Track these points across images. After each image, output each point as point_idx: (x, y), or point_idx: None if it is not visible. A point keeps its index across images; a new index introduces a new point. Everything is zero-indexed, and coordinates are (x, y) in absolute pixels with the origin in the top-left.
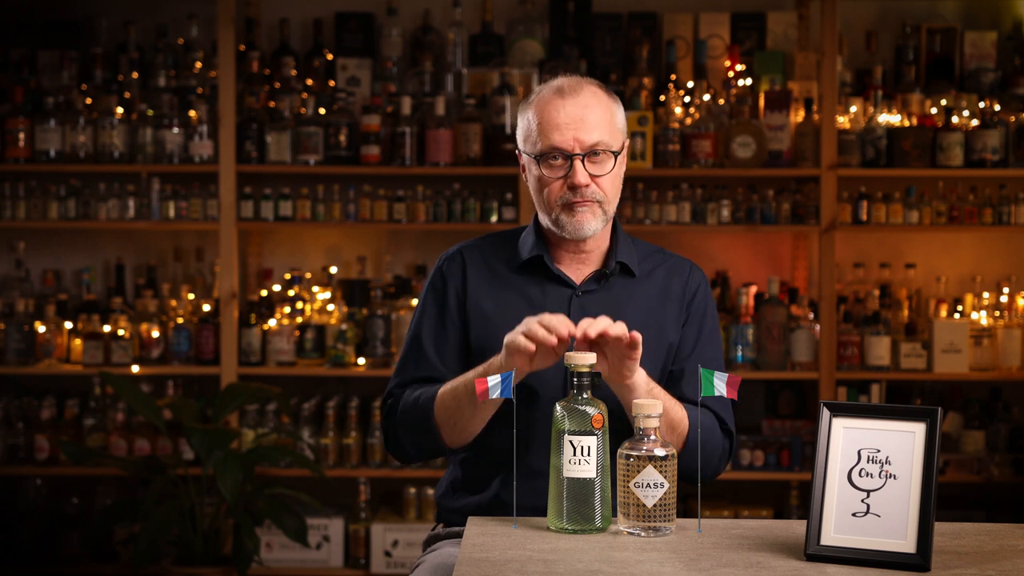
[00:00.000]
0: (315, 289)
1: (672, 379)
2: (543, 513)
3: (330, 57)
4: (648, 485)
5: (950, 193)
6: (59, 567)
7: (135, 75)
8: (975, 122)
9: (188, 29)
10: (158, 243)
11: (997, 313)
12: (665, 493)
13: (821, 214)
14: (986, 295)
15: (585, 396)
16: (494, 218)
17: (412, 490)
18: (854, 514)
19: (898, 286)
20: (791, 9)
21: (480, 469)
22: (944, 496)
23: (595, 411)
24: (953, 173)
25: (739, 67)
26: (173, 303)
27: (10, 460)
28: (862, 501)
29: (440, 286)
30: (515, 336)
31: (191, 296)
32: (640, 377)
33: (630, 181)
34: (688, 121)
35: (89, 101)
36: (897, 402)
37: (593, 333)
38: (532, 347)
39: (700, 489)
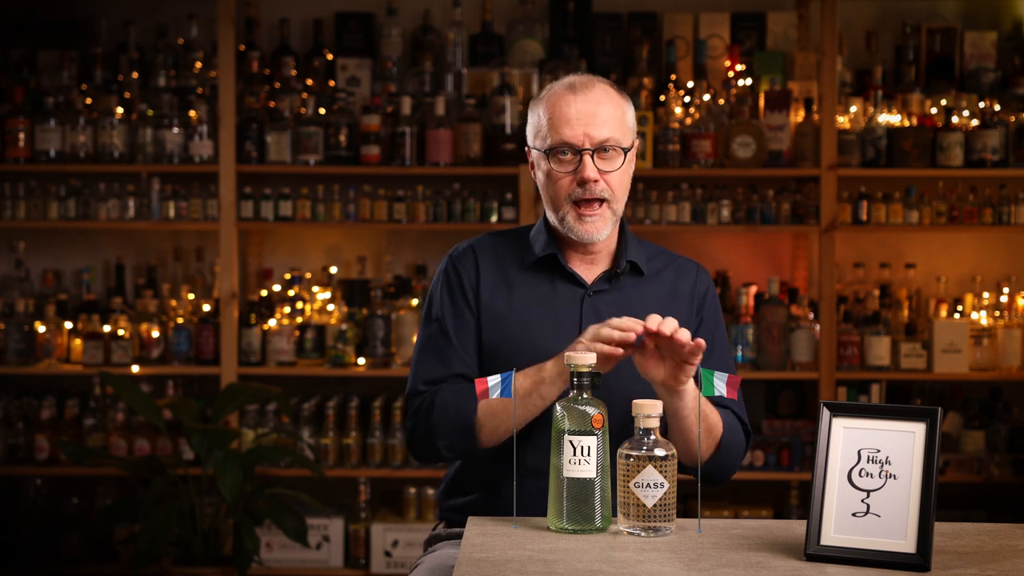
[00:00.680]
0: (315, 289)
1: None
2: (543, 513)
3: (330, 57)
4: (648, 485)
5: (950, 193)
6: (59, 567)
7: (135, 75)
8: (975, 122)
9: (188, 29)
10: (158, 243)
11: (997, 313)
12: (665, 493)
13: (821, 214)
14: (986, 295)
15: (585, 396)
16: (494, 218)
17: (412, 490)
18: (854, 514)
19: (898, 286)
20: (791, 9)
21: (481, 468)
22: (944, 496)
23: (595, 411)
24: (953, 173)
25: (739, 67)
26: (173, 303)
27: (10, 460)
28: (862, 501)
29: (455, 280)
30: (597, 346)
31: (191, 296)
32: (691, 384)
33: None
34: (688, 121)
35: (89, 101)
36: (897, 402)
37: (668, 331)
38: (619, 351)
39: (700, 489)
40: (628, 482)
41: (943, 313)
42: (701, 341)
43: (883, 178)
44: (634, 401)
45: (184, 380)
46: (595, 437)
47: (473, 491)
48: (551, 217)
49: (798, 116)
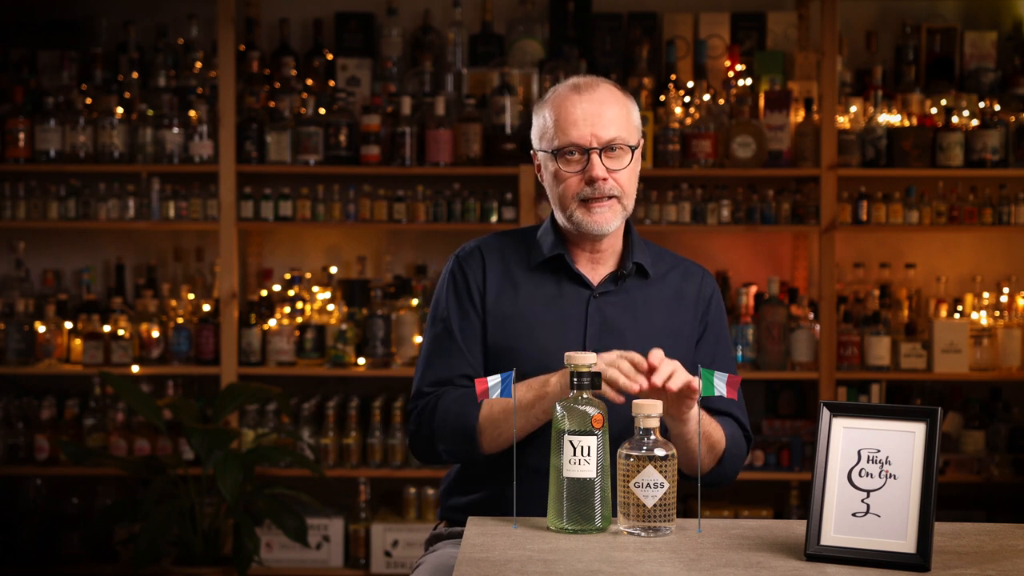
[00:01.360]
0: (315, 289)
1: None
2: (544, 513)
3: (330, 57)
4: (648, 485)
5: (950, 193)
6: (59, 567)
7: (135, 75)
8: (975, 122)
9: (188, 29)
10: (158, 243)
11: (997, 313)
12: (665, 493)
13: (821, 214)
14: (986, 295)
15: (585, 396)
16: (494, 218)
17: (412, 490)
18: (854, 514)
19: (898, 286)
20: (791, 9)
21: (481, 468)
22: (944, 496)
23: (595, 411)
24: (953, 173)
25: (739, 67)
26: (173, 303)
27: (10, 460)
28: (862, 501)
29: (462, 281)
30: (604, 389)
31: (191, 296)
32: (694, 411)
33: None
34: (688, 121)
35: (89, 101)
36: (897, 402)
37: (659, 382)
38: (621, 399)
39: (700, 489)
40: (628, 482)
41: (943, 313)
42: (694, 383)
43: (883, 178)
44: (634, 401)
45: (184, 380)
46: (595, 437)
47: (475, 491)
48: (559, 216)
49: (798, 116)
